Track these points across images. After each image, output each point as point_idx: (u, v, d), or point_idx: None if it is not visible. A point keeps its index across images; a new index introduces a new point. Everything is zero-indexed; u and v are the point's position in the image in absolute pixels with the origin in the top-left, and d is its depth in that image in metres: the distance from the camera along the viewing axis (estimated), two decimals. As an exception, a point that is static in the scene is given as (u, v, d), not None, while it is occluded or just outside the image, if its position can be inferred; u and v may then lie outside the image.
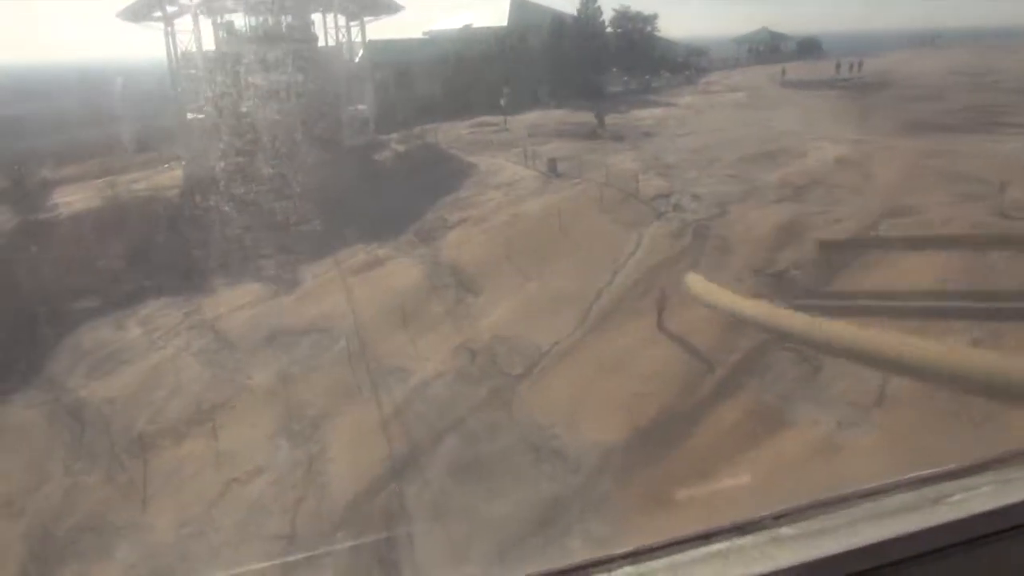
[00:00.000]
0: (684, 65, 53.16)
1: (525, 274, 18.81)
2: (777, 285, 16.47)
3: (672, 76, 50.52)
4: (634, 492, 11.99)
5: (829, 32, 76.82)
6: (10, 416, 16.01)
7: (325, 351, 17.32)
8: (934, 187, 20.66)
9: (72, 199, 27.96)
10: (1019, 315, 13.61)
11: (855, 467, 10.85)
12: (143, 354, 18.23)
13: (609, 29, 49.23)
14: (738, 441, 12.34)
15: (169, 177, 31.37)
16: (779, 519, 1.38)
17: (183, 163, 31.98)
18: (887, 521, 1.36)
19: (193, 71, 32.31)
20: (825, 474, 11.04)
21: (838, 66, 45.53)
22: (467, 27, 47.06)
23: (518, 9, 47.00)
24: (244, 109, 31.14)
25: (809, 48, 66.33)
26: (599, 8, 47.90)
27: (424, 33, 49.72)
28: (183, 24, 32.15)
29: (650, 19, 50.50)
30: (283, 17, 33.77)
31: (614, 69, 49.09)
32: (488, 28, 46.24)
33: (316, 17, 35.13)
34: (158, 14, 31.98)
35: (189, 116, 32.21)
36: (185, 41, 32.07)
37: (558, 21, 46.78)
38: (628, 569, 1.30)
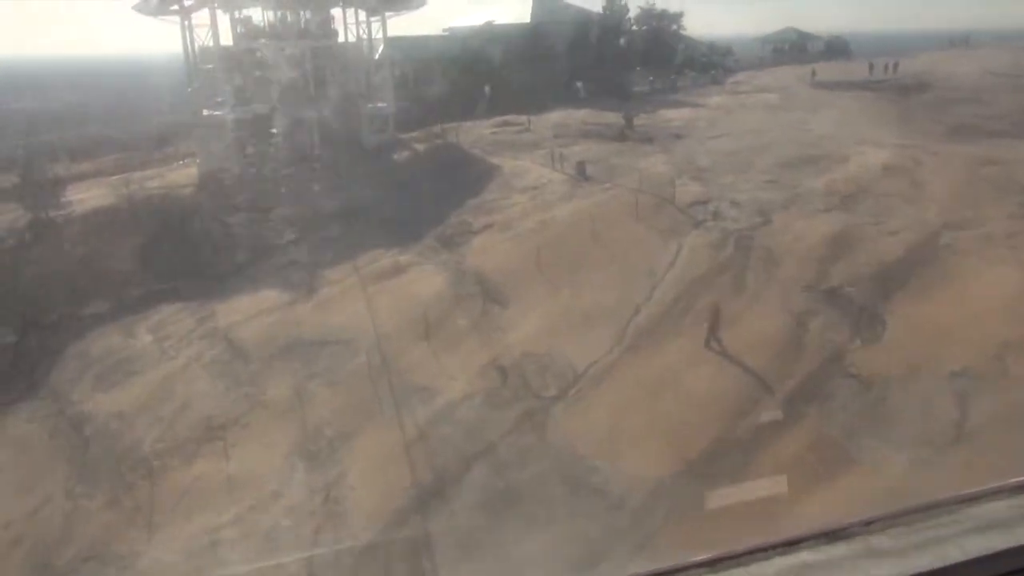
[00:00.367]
0: (710, 64, 51.86)
1: (556, 285, 17.70)
2: (830, 303, 15.26)
3: (698, 76, 49.19)
4: (682, 535, 10.88)
5: (853, 32, 75.30)
6: (10, 430, 15.12)
7: (344, 365, 16.29)
8: (992, 198, 19.37)
9: (85, 196, 27.19)
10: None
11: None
12: (153, 364, 17.28)
13: (634, 27, 48.00)
14: (799, 481, 11.18)
15: (184, 175, 30.56)
16: (870, 525, 1.25)
17: (198, 161, 31.15)
18: (993, 533, 1.21)
19: (210, 66, 31.43)
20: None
21: (871, 67, 44.00)
22: (489, 23, 45.91)
23: (541, 5, 45.83)
24: (261, 107, 30.25)
25: (836, 48, 64.94)
26: (625, 5, 46.72)
27: (444, 30, 48.70)
28: (200, 18, 31.24)
29: (676, 17, 49.38)
30: (302, 12, 32.86)
31: (638, 68, 47.86)
32: (511, 25, 45.10)
33: (336, 12, 34.22)
34: (175, 7, 31.10)
35: (205, 113, 31.33)
36: (202, 36, 31.19)
37: (583, 18, 45.59)
38: None
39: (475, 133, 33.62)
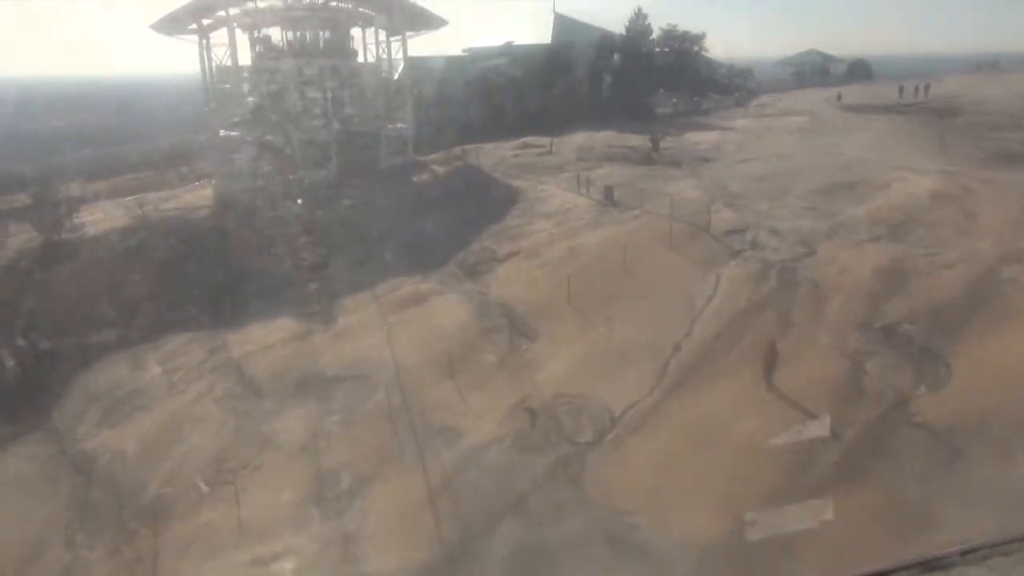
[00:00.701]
0: (733, 86, 51.07)
1: (588, 318, 16.67)
2: (887, 342, 14.12)
3: (721, 98, 48.39)
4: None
5: (875, 56, 74.40)
6: (8, 470, 14.22)
7: (362, 402, 15.30)
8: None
9: (98, 217, 26.60)
10: None
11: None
12: (161, 398, 16.39)
13: (657, 48, 47.28)
14: (867, 547, 10.01)
15: (199, 196, 29.96)
16: (967, 555, 1.27)
17: (213, 182, 30.55)
18: None
19: (227, 86, 30.92)
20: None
21: (901, 89, 42.97)
22: (509, 44, 45.31)
23: (562, 26, 45.21)
24: (279, 127, 29.63)
25: (859, 71, 64.16)
26: (649, 26, 46.01)
27: (464, 50, 48.14)
28: (218, 38, 30.79)
29: (698, 39, 48.52)
30: (321, 32, 32.33)
31: (661, 89, 47.10)
32: (532, 45, 44.46)
33: (356, 32, 33.68)
34: (193, 27, 30.67)
35: (221, 133, 30.77)
36: (220, 55, 30.71)
37: (607, 39, 44.92)
38: None
39: (496, 155, 32.84)
